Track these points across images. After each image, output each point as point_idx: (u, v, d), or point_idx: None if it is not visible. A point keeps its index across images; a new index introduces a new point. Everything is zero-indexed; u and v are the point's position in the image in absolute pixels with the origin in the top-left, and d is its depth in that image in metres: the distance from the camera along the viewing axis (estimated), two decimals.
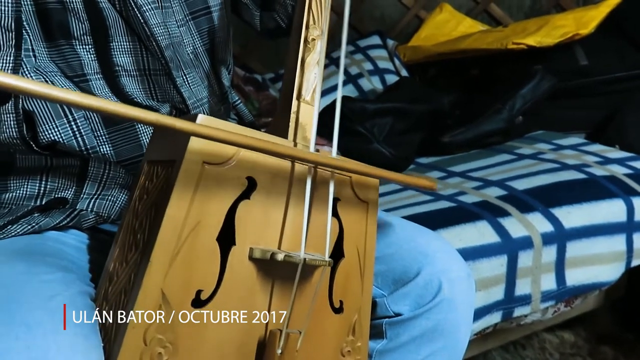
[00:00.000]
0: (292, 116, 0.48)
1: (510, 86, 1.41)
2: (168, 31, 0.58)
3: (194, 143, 0.42)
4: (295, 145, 0.48)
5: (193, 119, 0.41)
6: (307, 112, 0.49)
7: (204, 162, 0.43)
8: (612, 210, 1.05)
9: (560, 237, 0.99)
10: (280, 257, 0.45)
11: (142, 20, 0.55)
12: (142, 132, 0.58)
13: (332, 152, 0.48)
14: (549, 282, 0.99)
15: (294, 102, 0.48)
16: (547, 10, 1.91)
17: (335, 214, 0.51)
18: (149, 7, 0.56)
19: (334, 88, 1.53)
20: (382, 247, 0.61)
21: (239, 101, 0.74)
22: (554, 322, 1.20)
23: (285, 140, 0.48)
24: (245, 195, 0.45)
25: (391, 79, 1.69)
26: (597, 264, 1.03)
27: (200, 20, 0.63)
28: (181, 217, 0.42)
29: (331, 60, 1.60)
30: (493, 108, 1.38)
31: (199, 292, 0.44)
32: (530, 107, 1.39)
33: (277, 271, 0.47)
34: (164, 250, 0.42)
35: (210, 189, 0.43)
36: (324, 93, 1.53)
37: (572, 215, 1.02)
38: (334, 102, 0.50)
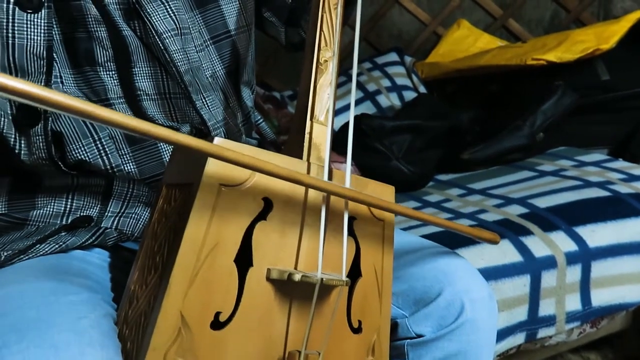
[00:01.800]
0: (306, 136, 0.49)
1: (531, 102, 1.40)
2: (187, 56, 0.59)
3: (211, 166, 0.42)
4: (310, 165, 0.48)
5: (210, 142, 0.42)
6: (320, 132, 0.49)
7: (221, 184, 0.43)
8: (638, 229, 1.02)
9: (584, 256, 0.96)
10: (297, 277, 0.45)
11: (162, 47, 0.57)
12: (164, 150, 0.59)
13: (346, 178, 0.48)
14: (573, 303, 0.96)
15: (308, 123, 0.49)
16: (567, 25, 1.89)
17: (351, 233, 0.51)
18: (169, 34, 0.57)
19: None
20: (401, 267, 0.61)
21: (261, 120, 0.75)
22: (580, 343, 1.16)
23: (300, 161, 0.48)
24: (262, 216, 0.45)
25: (409, 95, 1.68)
26: (623, 284, 1.00)
27: (222, 44, 0.65)
28: (199, 239, 0.43)
29: (349, 78, 1.61)
30: (513, 124, 1.37)
31: (217, 314, 0.44)
32: (551, 123, 1.37)
33: (294, 292, 0.47)
34: (182, 273, 0.42)
35: (227, 210, 0.44)
36: (342, 111, 1.54)
37: (597, 234, 0.99)
38: (353, 120, 0.51)
